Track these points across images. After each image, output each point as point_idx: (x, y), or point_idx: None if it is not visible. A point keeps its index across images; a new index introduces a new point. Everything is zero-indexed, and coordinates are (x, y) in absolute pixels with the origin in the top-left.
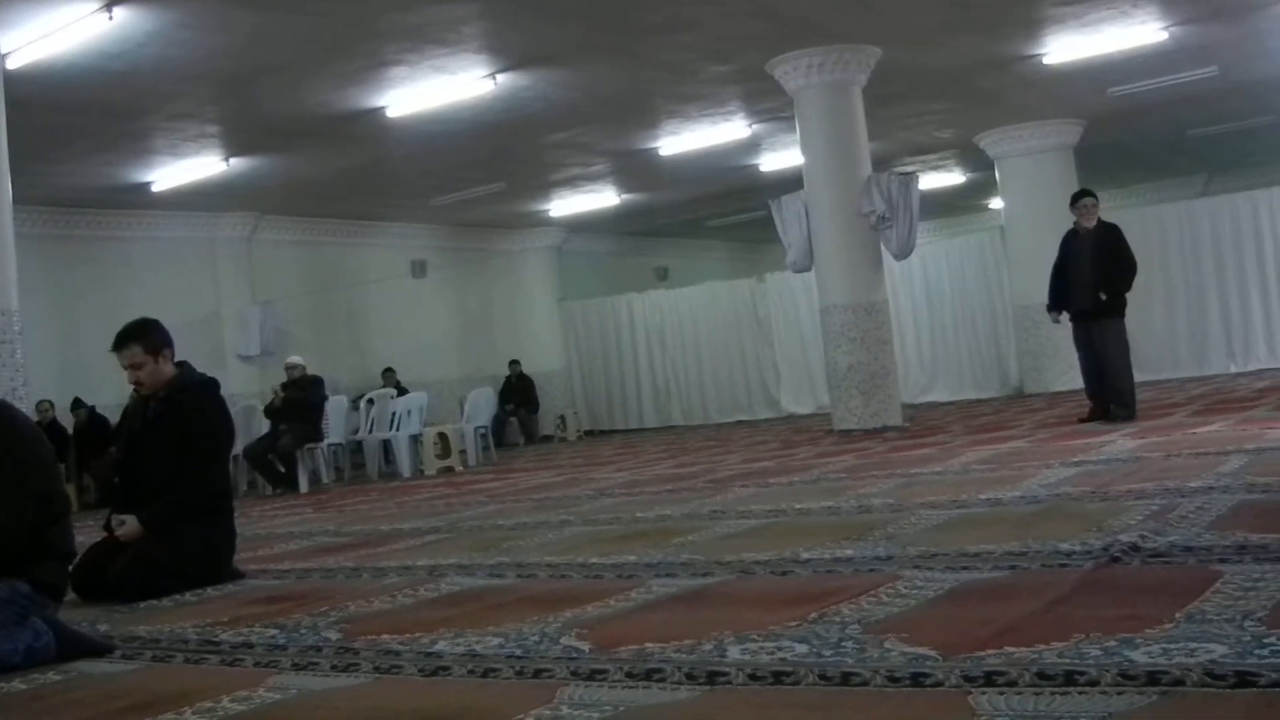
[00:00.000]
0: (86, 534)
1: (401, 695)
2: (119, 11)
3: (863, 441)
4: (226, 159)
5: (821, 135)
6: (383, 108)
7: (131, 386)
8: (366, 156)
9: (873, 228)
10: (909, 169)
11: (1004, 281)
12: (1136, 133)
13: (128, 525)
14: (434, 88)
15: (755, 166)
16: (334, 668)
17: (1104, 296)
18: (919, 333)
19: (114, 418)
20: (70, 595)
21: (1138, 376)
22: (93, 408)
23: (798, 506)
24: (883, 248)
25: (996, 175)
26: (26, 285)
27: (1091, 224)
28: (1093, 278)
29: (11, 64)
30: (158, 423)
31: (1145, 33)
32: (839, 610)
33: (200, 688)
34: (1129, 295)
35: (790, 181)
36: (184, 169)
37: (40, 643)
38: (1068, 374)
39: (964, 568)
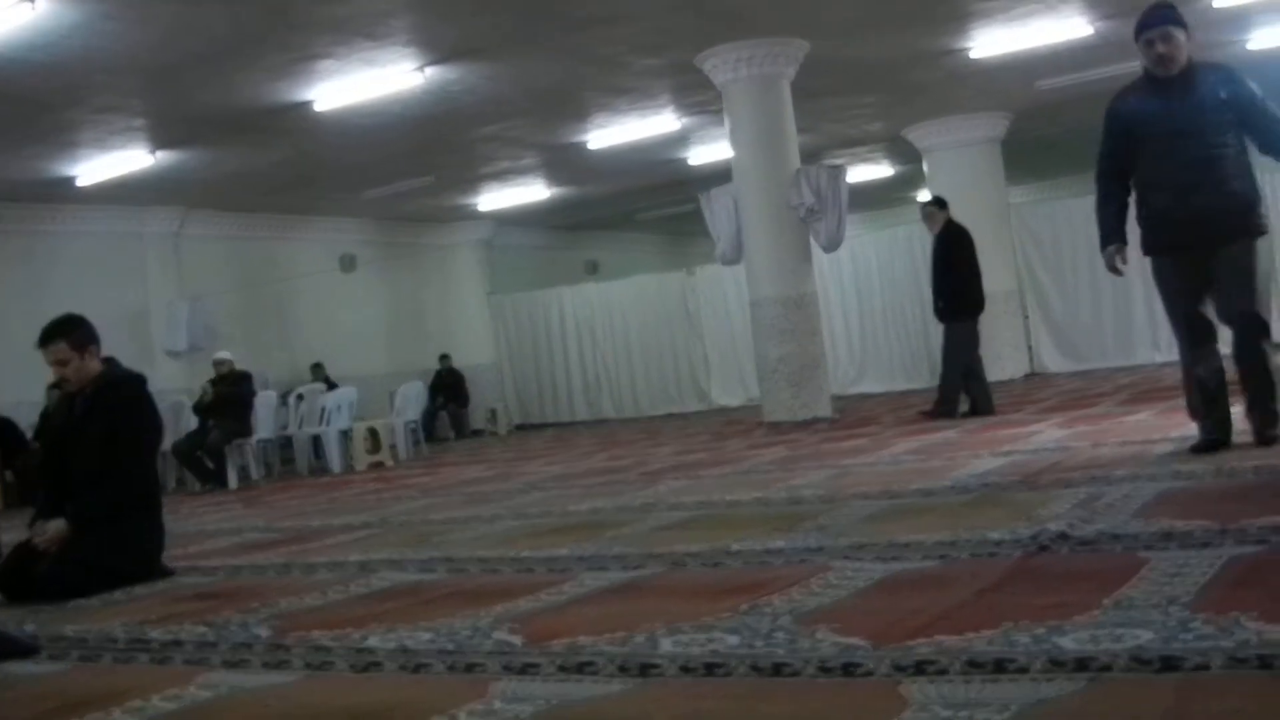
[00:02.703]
0: (12, 533)
1: (333, 691)
2: (42, 1)
3: (793, 433)
4: (153, 152)
5: (750, 128)
6: (310, 101)
7: (54, 383)
8: (295, 150)
9: (802, 220)
10: (837, 162)
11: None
12: (1063, 126)
13: (48, 532)
14: (362, 81)
15: (684, 160)
16: (265, 664)
17: (940, 304)
18: (848, 324)
19: (28, 417)
20: None
21: (1066, 366)
22: None
23: (729, 498)
24: (812, 240)
25: (925, 168)
26: None
27: (934, 231)
28: (932, 284)
29: None
30: (84, 419)
31: (1072, 27)
32: (770, 601)
33: (129, 686)
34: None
35: (720, 174)
36: (110, 162)
37: None
38: (996, 364)
39: (894, 558)
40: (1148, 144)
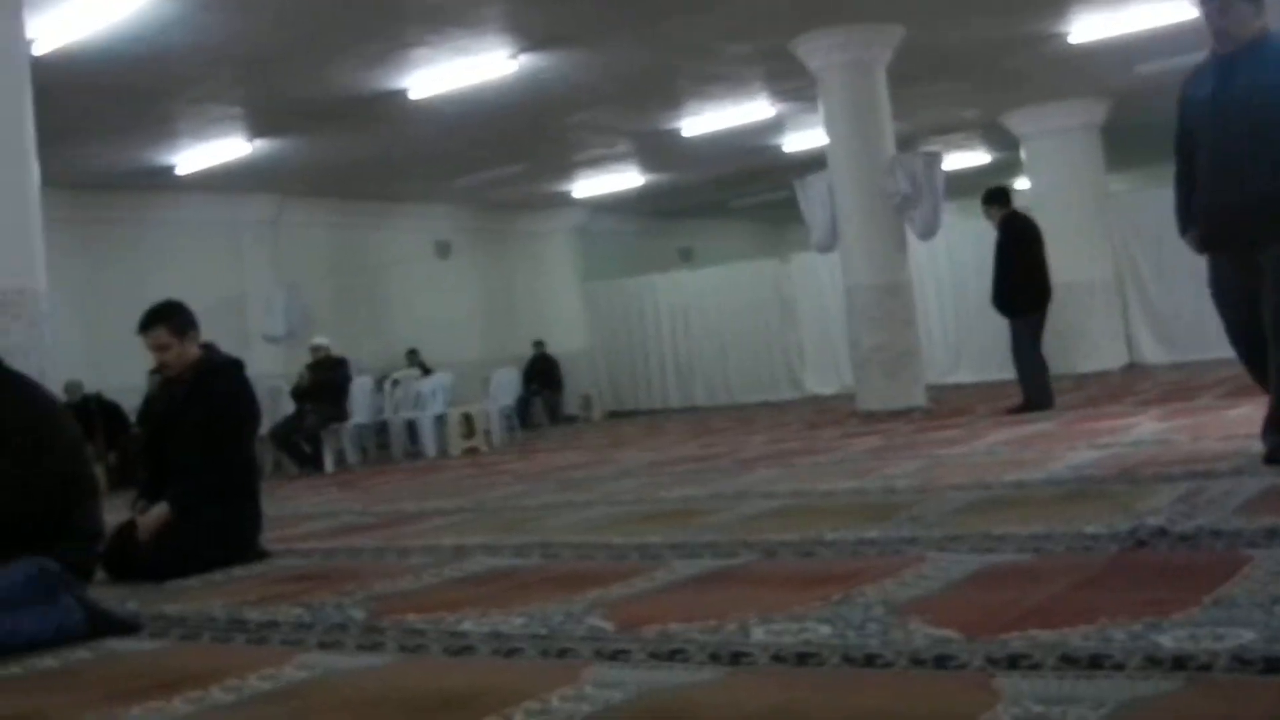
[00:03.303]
0: (116, 514)
1: (426, 674)
2: None
3: (887, 422)
4: (251, 140)
5: (845, 115)
6: (405, 89)
7: (155, 369)
8: (390, 138)
9: (897, 208)
10: (933, 149)
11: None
12: (1164, 112)
13: (149, 517)
14: (456, 69)
15: (779, 147)
16: (359, 646)
17: (998, 298)
18: (943, 313)
19: (131, 401)
20: (100, 574)
21: (1166, 357)
22: (97, 394)
23: (822, 487)
24: (907, 228)
25: (1022, 155)
26: (54, 267)
27: (995, 224)
28: (993, 277)
29: (38, 49)
30: (184, 404)
31: (1173, 9)
32: (863, 591)
33: (227, 666)
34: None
35: (814, 161)
36: (208, 151)
37: (70, 620)
38: (1094, 355)
39: (988, 550)
40: (1196, 132)
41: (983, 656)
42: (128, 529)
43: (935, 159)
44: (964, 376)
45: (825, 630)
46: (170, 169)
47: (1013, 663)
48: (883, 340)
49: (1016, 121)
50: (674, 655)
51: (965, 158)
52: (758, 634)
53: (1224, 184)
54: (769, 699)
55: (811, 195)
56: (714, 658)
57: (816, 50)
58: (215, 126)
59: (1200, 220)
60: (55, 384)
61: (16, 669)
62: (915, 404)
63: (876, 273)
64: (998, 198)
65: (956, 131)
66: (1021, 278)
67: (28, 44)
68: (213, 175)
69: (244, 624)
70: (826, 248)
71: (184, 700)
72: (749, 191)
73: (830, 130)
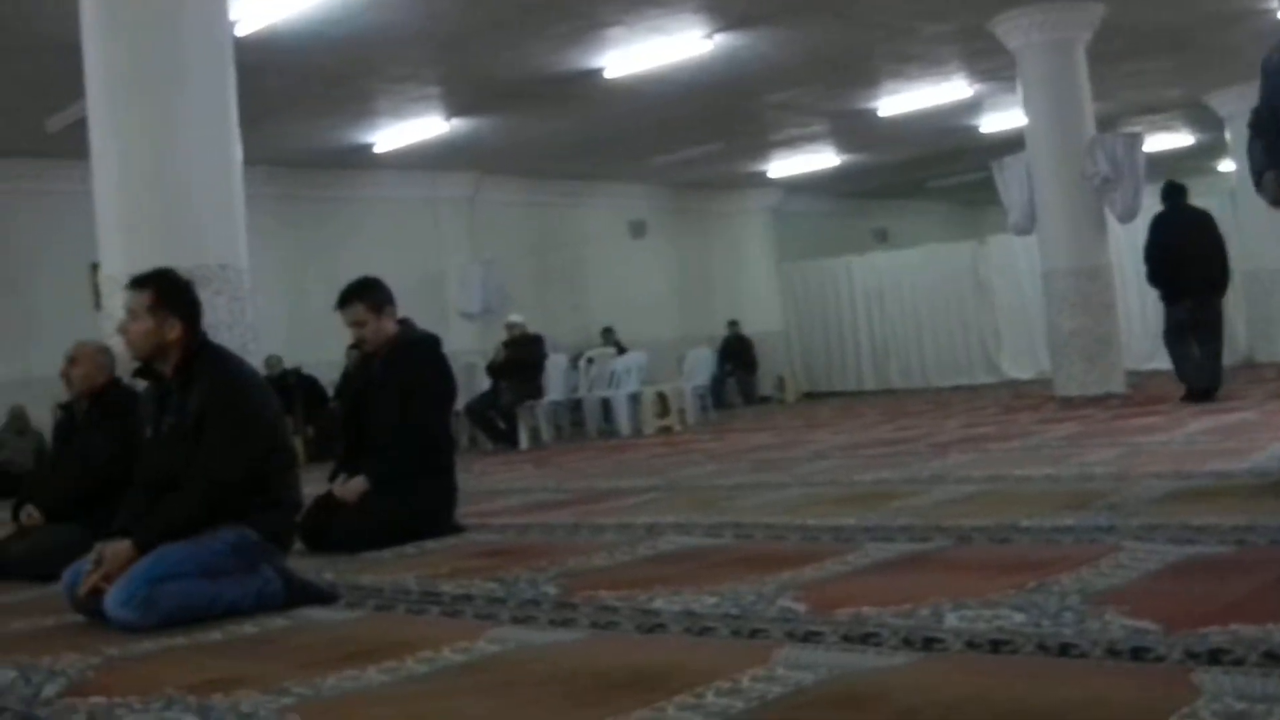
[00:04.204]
0: (313, 486)
1: (618, 651)
2: None
3: (1085, 409)
4: (448, 119)
5: (1044, 95)
6: (601, 69)
7: (354, 344)
8: (585, 117)
9: (1096, 190)
10: (1134, 129)
11: (1233, 247)
12: None
13: (350, 485)
14: (652, 48)
15: (976, 127)
16: (552, 622)
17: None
18: (1144, 298)
19: (329, 375)
20: (297, 545)
21: None
22: (297, 369)
23: (1018, 473)
24: (1106, 211)
25: (1227, 136)
26: (255, 244)
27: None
28: None
29: (241, 30)
30: (381, 379)
31: None
32: (1058, 580)
33: (421, 637)
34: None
35: (1012, 142)
36: (406, 130)
37: (269, 589)
38: None
39: (1188, 541)
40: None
41: (1182, 650)
42: (325, 501)
43: (1136, 140)
44: (1163, 363)
45: (1019, 618)
46: (369, 147)
47: (1213, 657)
48: (1081, 325)
49: (1221, 101)
50: (866, 639)
51: (1167, 139)
52: (951, 620)
53: None
54: (961, 686)
55: (1009, 177)
56: (906, 643)
57: (1015, 29)
58: (413, 105)
59: None
60: (256, 359)
61: (217, 635)
62: (1114, 390)
63: (1075, 256)
64: (1165, 193)
65: (1159, 112)
66: (1152, 267)
67: (231, 25)
68: (411, 153)
69: (438, 597)
70: (1024, 230)
71: (379, 670)
72: (946, 172)
73: (1029, 110)
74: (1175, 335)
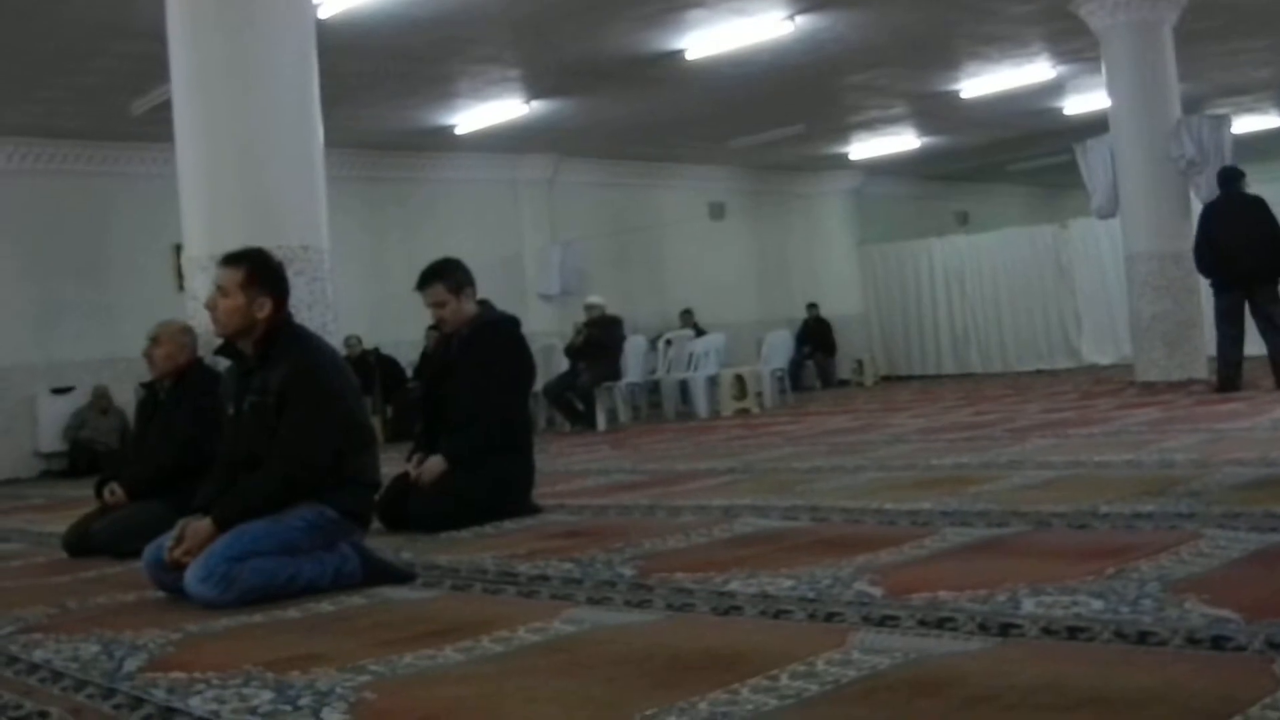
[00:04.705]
0: (391, 465)
1: (693, 632)
2: None
3: (1166, 394)
4: (528, 102)
5: (1129, 77)
6: (681, 50)
7: (432, 325)
8: (665, 99)
9: (1182, 173)
10: (1221, 111)
11: None
12: None
13: (428, 465)
14: (733, 29)
15: (1059, 109)
16: (628, 603)
17: None
18: None
19: (407, 356)
20: (375, 524)
21: None
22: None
23: (1097, 459)
24: (1192, 194)
25: None
26: (336, 225)
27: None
28: None
29: (323, 12)
30: (460, 359)
31: None
32: (1137, 567)
33: (498, 617)
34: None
35: (1096, 125)
36: (486, 111)
37: (347, 567)
38: None
39: (1271, 529)
40: None
41: (1263, 639)
42: (403, 481)
43: (1223, 122)
44: (1247, 349)
45: (1097, 605)
46: (450, 129)
47: None
48: (1164, 310)
49: None
50: (942, 624)
51: (1255, 121)
52: (1028, 605)
53: None
54: (1038, 672)
55: (1092, 159)
56: (983, 628)
57: (1100, 9)
58: (494, 88)
59: None
60: (336, 339)
61: (295, 612)
62: (1196, 376)
63: (1159, 240)
64: (1220, 179)
65: (1246, 93)
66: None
67: (314, 7)
68: (490, 135)
69: (514, 576)
70: (1107, 214)
71: (455, 649)
72: (1027, 155)
73: (1113, 92)
74: (1220, 320)
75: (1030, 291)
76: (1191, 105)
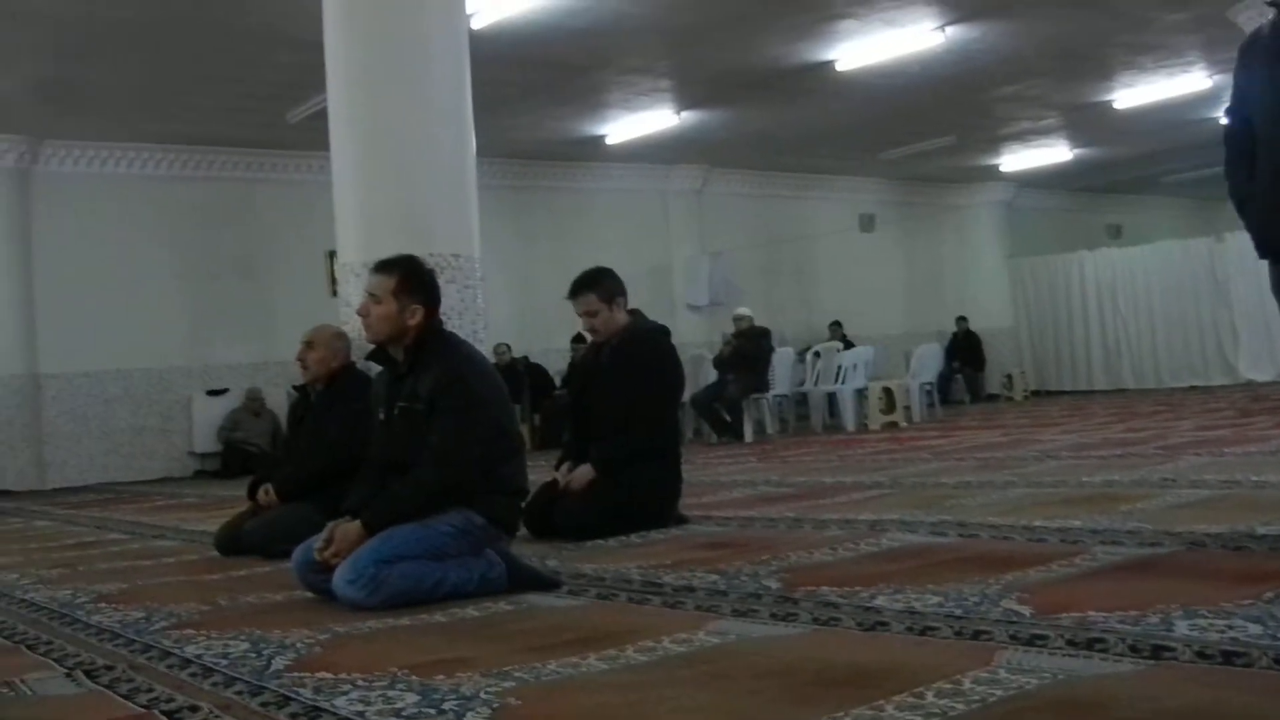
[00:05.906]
0: (538, 473)
1: (839, 647)
2: None
3: None
4: (678, 112)
5: None
6: (832, 61)
7: (577, 337)
8: (815, 110)
9: None
10: None
11: None
12: None
13: (576, 473)
14: (883, 41)
15: (1216, 120)
16: (773, 616)
17: None
18: None
19: (556, 364)
20: (521, 531)
21: None
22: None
23: (1254, 478)
24: None
25: None
26: (487, 233)
27: None
28: None
29: (477, 24)
30: (610, 368)
31: None
32: None
33: (642, 626)
34: None
35: None
36: (637, 122)
37: (493, 573)
38: None
39: None
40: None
41: None
42: (550, 489)
43: None
44: None
45: (1255, 629)
46: (600, 139)
47: None
48: None
49: None
50: (1092, 645)
51: None
52: (1181, 628)
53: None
54: (1191, 697)
55: None
56: (1134, 650)
57: (1257, 17)
58: (644, 98)
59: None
60: (485, 347)
61: (441, 617)
62: None
63: None
64: None
65: None
66: None
67: (467, 18)
68: (640, 145)
69: (660, 587)
70: None
71: (599, 658)
72: (1182, 166)
73: None
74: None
75: (1184, 305)
76: None
